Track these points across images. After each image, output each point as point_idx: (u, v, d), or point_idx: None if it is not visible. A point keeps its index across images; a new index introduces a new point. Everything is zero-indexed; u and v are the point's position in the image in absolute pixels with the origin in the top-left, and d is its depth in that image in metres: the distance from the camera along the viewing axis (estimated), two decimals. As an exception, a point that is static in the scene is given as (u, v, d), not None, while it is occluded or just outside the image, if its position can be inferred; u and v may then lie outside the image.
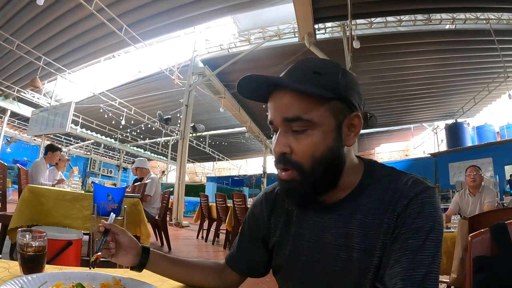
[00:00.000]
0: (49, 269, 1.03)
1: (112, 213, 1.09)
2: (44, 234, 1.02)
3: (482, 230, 1.20)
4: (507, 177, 13.96)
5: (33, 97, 15.13)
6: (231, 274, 1.12)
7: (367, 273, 0.83)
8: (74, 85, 14.18)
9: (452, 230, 3.61)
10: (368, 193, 0.88)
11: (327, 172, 0.86)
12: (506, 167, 14.24)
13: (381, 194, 0.86)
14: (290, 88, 0.83)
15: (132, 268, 0.99)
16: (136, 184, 6.50)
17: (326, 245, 0.90)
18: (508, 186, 13.44)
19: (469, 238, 1.20)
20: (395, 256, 0.77)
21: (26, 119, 15.95)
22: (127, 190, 4.42)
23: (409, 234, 0.78)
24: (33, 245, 0.98)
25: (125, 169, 26.39)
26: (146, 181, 6.13)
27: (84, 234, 3.63)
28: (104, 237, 0.94)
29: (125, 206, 3.81)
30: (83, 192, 4.17)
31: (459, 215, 4.45)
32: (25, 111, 15.52)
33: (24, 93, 14.61)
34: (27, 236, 0.99)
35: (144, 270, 1.00)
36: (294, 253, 0.96)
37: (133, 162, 7.42)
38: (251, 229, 1.11)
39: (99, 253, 0.91)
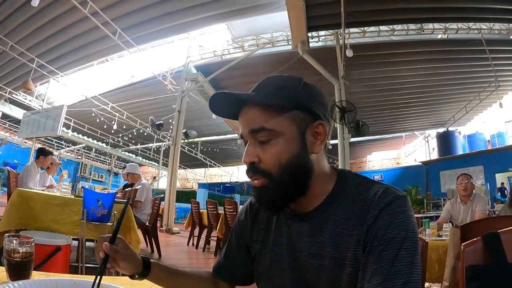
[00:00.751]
0: (36, 275, 1.01)
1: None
2: (32, 239, 1.00)
3: (475, 239, 1.21)
4: (498, 185, 14.08)
5: (25, 99, 15.01)
6: (222, 283, 1.14)
7: (339, 282, 0.84)
8: (66, 88, 14.08)
9: (444, 238, 3.63)
10: (338, 203, 0.90)
11: (294, 178, 0.88)
12: (497, 175, 14.37)
13: (350, 205, 0.88)
14: (253, 102, 0.90)
15: (132, 277, 0.99)
16: (126, 189, 6.45)
17: (300, 253, 0.93)
18: (499, 193, 13.55)
19: (462, 247, 1.21)
20: (371, 269, 0.78)
21: (17, 121, 15.83)
22: (117, 195, 4.38)
23: (382, 246, 0.78)
24: (20, 251, 0.97)
25: (116, 174, 26.22)
26: (137, 187, 6.09)
27: (73, 239, 3.58)
28: (105, 265, 0.91)
29: (115, 212, 3.77)
30: (72, 197, 4.13)
31: (450, 223, 4.46)
32: (17, 113, 15.39)
33: (16, 95, 14.49)
34: (14, 241, 0.97)
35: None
36: (273, 260, 0.99)
37: (124, 167, 7.37)
38: (237, 238, 1.15)
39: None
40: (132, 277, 0.98)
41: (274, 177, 0.87)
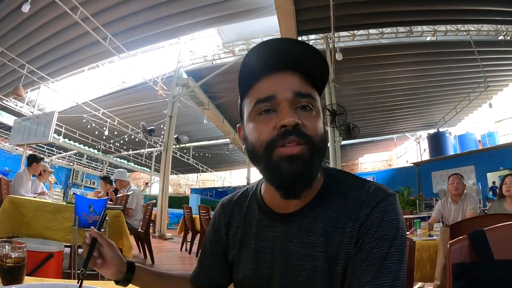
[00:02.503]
0: (28, 280, 1.01)
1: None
2: (24, 245, 1.01)
3: (461, 237, 1.21)
4: (490, 184, 14.16)
5: (16, 105, 14.90)
6: None
7: (333, 282, 0.82)
8: (57, 94, 14.03)
9: (435, 238, 3.65)
10: (328, 201, 0.87)
11: (324, 154, 0.85)
12: (488, 174, 14.46)
13: (342, 202, 0.86)
14: (314, 73, 0.86)
15: (117, 283, 0.99)
16: (118, 196, 6.41)
17: (290, 256, 0.88)
18: (491, 192, 13.63)
19: (448, 245, 1.21)
20: (361, 266, 0.77)
21: (8, 128, 15.66)
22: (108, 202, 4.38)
23: (373, 243, 0.78)
24: (13, 256, 0.97)
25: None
26: (128, 193, 6.06)
27: (66, 246, 3.57)
28: (91, 250, 0.92)
29: (107, 218, 3.76)
30: (64, 203, 4.12)
31: (442, 223, 4.48)
32: (7, 119, 15.26)
33: (7, 101, 14.37)
34: (6, 247, 0.98)
35: None
36: (257, 266, 0.94)
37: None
38: (211, 244, 1.10)
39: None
40: (117, 282, 0.98)
41: (316, 145, 0.82)
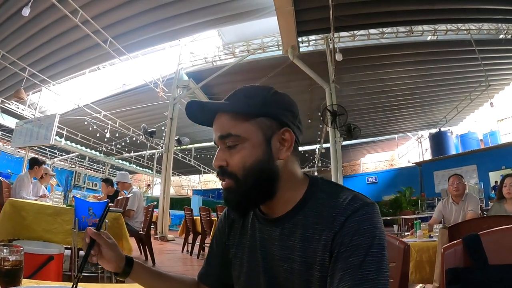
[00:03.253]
0: (26, 283, 1.03)
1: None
2: (21, 248, 1.02)
3: (455, 241, 1.21)
4: (492, 183, 14.13)
5: (18, 108, 14.92)
6: None
7: (309, 285, 0.86)
8: (58, 97, 14.07)
9: (435, 239, 3.63)
10: (308, 209, 0.92)
11: (258, 182, 0.92)
12: (491, 174, 14.45)
13: (320, 210, 0.90)
14: (222, 110, 0.97)
15: (115, 275, 1.03)
16: (118, 198, 6.41)
17: (273, 257, 0.95)
18: (493, 192, 13.61)
19: (442, 250, 1.21)
20: (338, 275, 0.79)
21: (10, 131, 15.67)
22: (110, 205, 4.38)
23: (348, 253, 0.79)
24: (10, 259, 0.98)
25: (110, 182, 26.01)
26: (128, 195, 6.07)
27: (66, 248, 3.58)
28: (90, 250, 0.97)
29: (107, 221, 3.77)
30: (64, 206, 4.13)
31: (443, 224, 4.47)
32: (9, 122, 15.29)
33: (9, 104, 14.40)
34: (4, 250, 0.99)
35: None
36: (249, 264, 1.02)
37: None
38: (217, 243, 1.17)
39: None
40: (115, 274, 1.03)
41: (240, 180, 0.92)
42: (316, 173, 19.13)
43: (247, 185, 0.92)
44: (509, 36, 11.09)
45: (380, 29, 10.46)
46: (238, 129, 0.92)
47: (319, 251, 0.85)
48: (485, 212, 7.50)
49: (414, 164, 19.02)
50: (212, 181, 31.32)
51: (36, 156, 10.91)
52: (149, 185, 28.78)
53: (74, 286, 0.90)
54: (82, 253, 4.00)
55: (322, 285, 0.84)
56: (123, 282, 1.11)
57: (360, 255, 0.78)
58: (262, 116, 0.94)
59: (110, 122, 15.58)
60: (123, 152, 20.97)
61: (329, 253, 0.83)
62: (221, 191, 1.00)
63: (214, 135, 0.98)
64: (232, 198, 0.95)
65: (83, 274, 0.94)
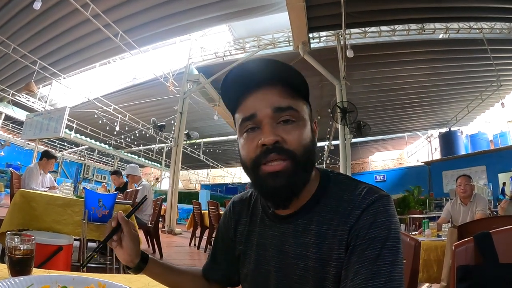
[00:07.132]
0: (37, 272, 1.03)
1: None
2: (33, 237, 1.03)
3: (466, 239, 1.20)
4: (501, 185, 14.01)
5: (28, 101, 15.08)
6: (213, 284, 1.16)
7: (324, 282, 0.84)
8: (69, 90, 14.17)
9: (443, 238, 3.61)
10: (323, 204, 0.90)
11: (311, 164, 0.89)
12: (500, 175, 14.30)
13: (335, 205, 0.88)
14: (287, 80, 0.88)
15: (128, 269, 1.03)
16: (127, 191, 6.46)
17: (286, 255, 0.92)
18: (502, 193, 13.50)
19: (453, 247, 1.21)
20: (354, 268, 0.78)
21: (20, 123, 15.87)
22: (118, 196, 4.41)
23: (364, 246, 0.78)
24: (22, 248, 0.99)
25: (119, 175, 26.15)
26: (138, 188, 6.11)
27: (75, 239, 3.61)
28: (113, 234, 0.99)
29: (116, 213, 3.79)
30: (74, 197, 4.16)
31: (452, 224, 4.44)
32: (20, 114, 15.47)
33: (19, 96, 14.56)
34: (15, 239, 1.00)
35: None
36: (258, 263, 0.99)
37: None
38: (223, 239, 1.15)
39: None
40: (128, 268, 1.03)
41: (298, 159, 0.84)
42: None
43: (305, 165, 0.87)
44: (522, 36, 10.96)
45: (392, 26, 10.36)
46: (297, 105, 0.88)
47: (335, 246, 0.83)
48: (494, 212, 7.43)
49: (423, 164, 18.87)
50: (220, 175, 31.37)
51: (48, 150, 11.01)
52: (157, 178, 28.92)
53: (84, 264, 0.91)
54: (90, 244, 4.03)
55: (338, 282, 0.82)
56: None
57: (376, 248, 0.77)
58: (308, 104, 0.92)
59: (119, 116, 15.68)
60: (132, 146, 21.11)
61: (345, 247, 0.82)
62: (267, 174, 0.85)
63: (254, 107, 0.87)
64: (287, 181, 0.85)
65: (91, 265, 0.95)
